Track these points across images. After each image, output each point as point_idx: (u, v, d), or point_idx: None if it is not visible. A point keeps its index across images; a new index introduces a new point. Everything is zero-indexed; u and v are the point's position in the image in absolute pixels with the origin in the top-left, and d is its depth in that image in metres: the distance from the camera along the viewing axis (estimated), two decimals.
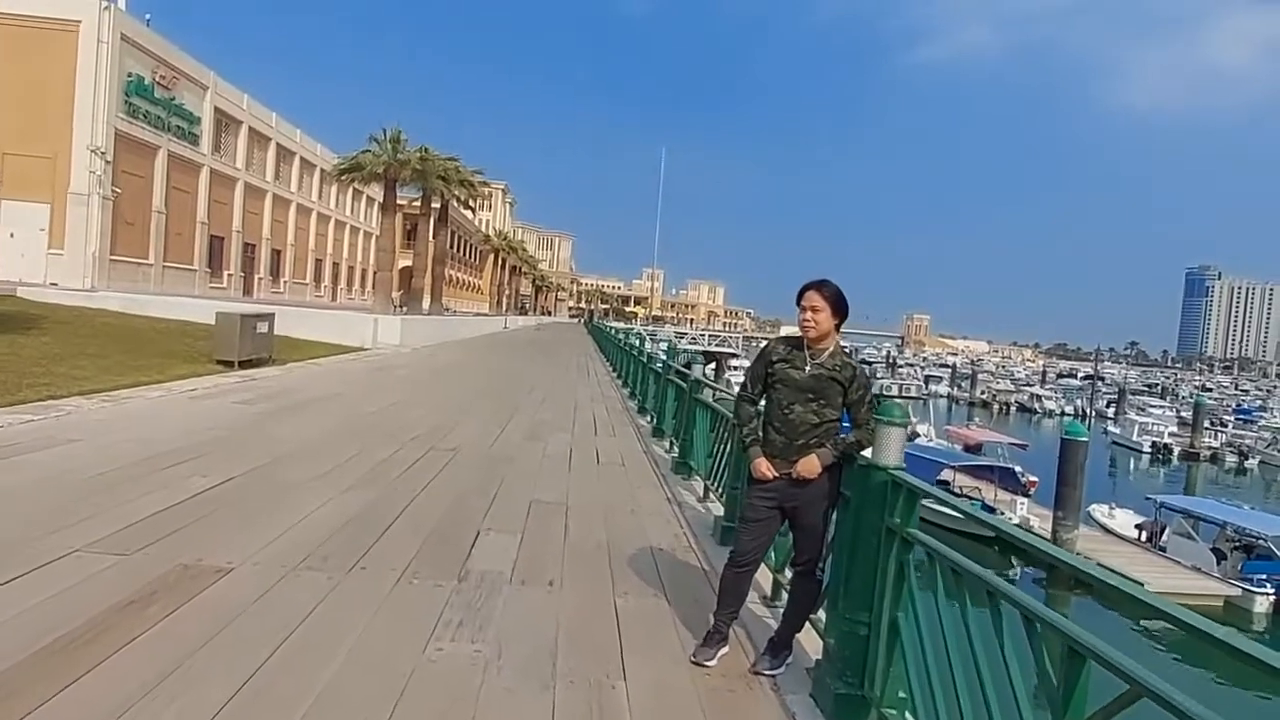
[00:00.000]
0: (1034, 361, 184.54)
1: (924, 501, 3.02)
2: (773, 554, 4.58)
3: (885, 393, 46.95)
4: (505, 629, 3.82)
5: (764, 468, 3.59)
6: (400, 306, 36.62)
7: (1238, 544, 21.67)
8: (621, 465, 8.60)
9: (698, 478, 7.72)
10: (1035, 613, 2.12)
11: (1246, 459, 48.14)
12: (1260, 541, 21.22)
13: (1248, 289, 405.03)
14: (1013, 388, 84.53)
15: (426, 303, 36.95)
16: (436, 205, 38.18)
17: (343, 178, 33.16)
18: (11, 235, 28.86)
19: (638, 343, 17.84)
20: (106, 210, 30.27)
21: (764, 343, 4.13)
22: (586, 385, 18.41)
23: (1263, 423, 59.57)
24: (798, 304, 3.59)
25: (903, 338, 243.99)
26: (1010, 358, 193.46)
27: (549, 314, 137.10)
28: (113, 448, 7.04)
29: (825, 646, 3.53)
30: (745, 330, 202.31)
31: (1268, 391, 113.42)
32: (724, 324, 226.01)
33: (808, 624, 3.81)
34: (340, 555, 4.67)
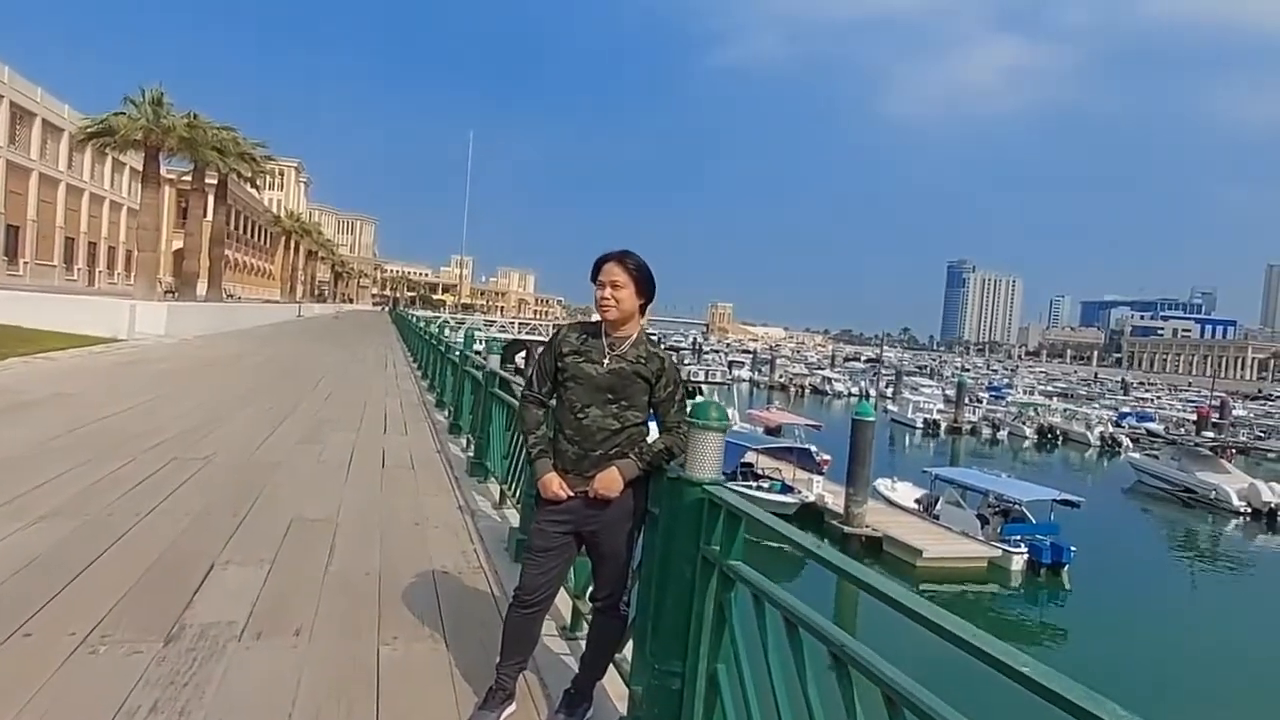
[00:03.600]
0: (824, 346, 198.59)
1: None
2: (572, 577, 3.94)
3: (691, 379, 47.97)
4: (219, 710, 2.89)
5: (555, 486, 2.90)
6: (170, 292, 32.59)
7: (997, 509, 23.97)
8: (410, 468, 7.64)
9: (494, 480, 6.96)
10: (896, 687, 1.59)
11: (998, 431, 54.01)
12: (1015, 506, 23.60)
13: (996, 280, 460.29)
14: (806, 371, 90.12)
15: (203, 288, 33.11)
16: (213, 180, 34.28)
17: (92, 143, 28.76)
18: None
19: (437, 330, 16.67)
20: None
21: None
22: (382, 378, 16.98)
23: (1010, 399, 67.33)
24: (594, 280, 2.93)
25: (707, 325, 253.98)
26: (804, 343, 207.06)
27: (351, 301, 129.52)
28: None
29: (632, 697, 2.92)
30: (556, 318, 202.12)
31: (1012, 371, 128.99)
32: (535, 312, 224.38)
33: (612, 667, 3.20)
34: (1, 614, 3.48)
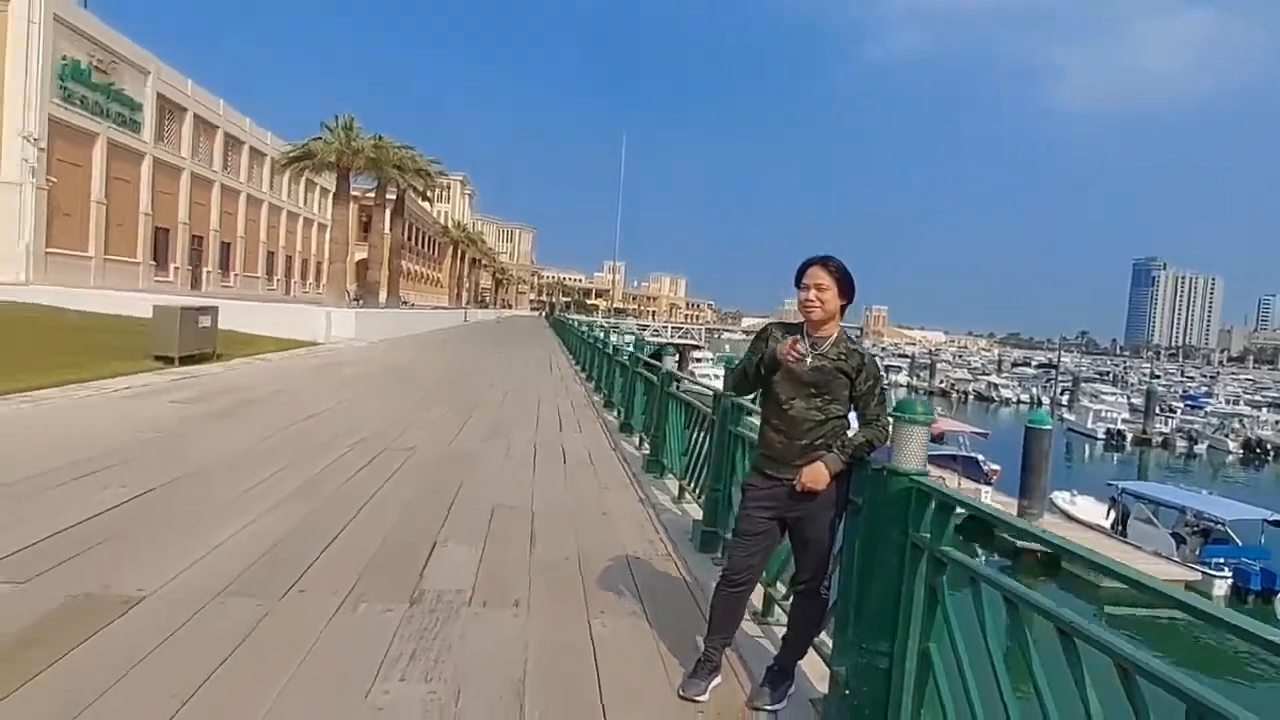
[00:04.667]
0: (989, 350, 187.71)
1: None
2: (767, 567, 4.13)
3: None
4: (464, 663, 3.30)
5: (788, 346, 2.98)
6: (355, 299, 35.55)
7: (1196, 528, 21.92)
8: (590, 464, 8.09)
9: (671, 477, 7.25)
10: (1138, 664, 1.67)
11: (1196, 444, 49.17)
12: (1218, 526, 21.50)
13: (1191, 279, 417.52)
14: (970, 376, 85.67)
15: (383, 296, 35.91)
16: (392, 196, 37.11)
17: (292, 166, 31.94)
18: None
19: (602, 335, 17.31)
20: (41, 200, 28.77)
21: (760, 325, 3.54)
22: (550, 380, 17.83)
23: (1210, 409, 61.09)
24: (797, 283, 3.10)
25: (862, 328, 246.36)
26: (966, 347, 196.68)
27: (509, 307, 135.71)
28: (23, 454, 6.35)
29: (834, 677, 3.07)
30: (707, 322, 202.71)
31: (1211, 378, 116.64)
32: (685, 316, 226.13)
33: (810, 648, 3.36)
34: (274, 577, 4.10)
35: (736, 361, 3.43)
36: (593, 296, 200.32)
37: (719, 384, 9.19)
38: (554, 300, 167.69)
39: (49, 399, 8.90)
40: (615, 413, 11.83)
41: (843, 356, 3.04)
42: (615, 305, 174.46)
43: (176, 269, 40.44)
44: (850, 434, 3.09)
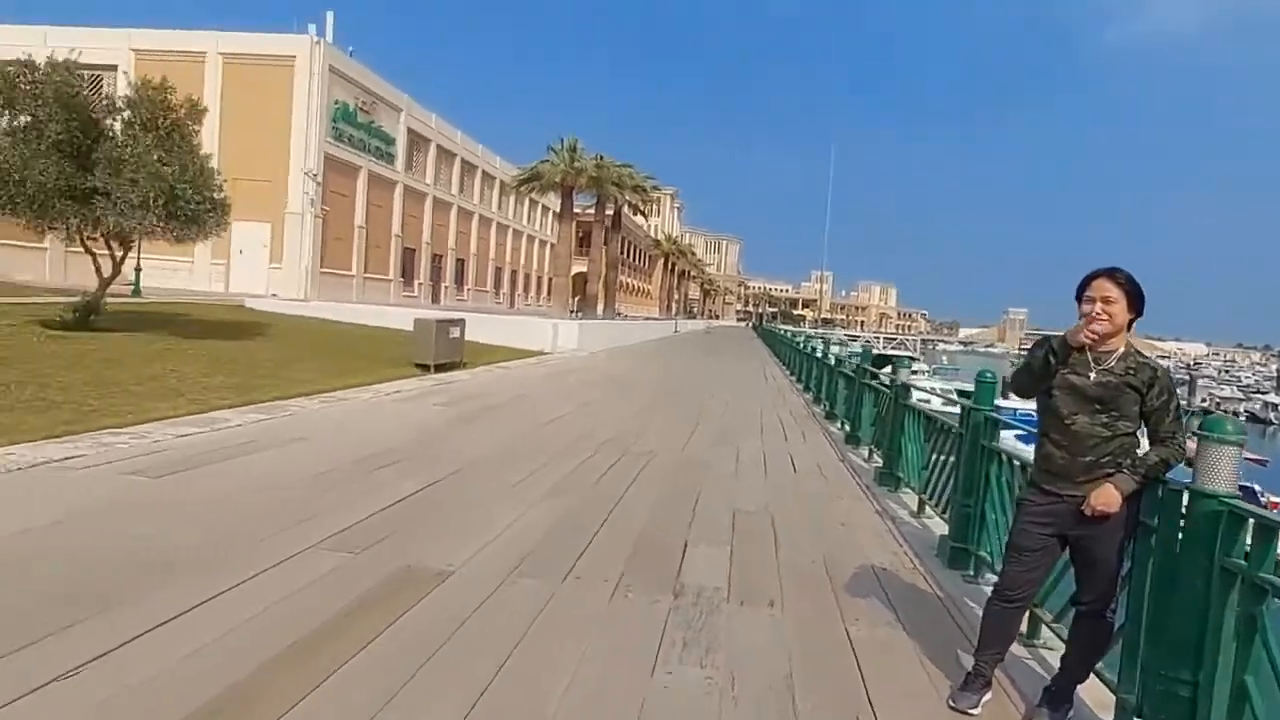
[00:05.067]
0: (1264, 365, 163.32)
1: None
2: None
3: None
4: (733, 655, 3.52)
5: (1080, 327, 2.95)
6: (576, 311, 37.63)
7: None
8: (820, 474, 8.13)
9: (907, 490, 7.13)
10: None
11: None
12: None
13: None
14: (1240, 395, 75.07)
15: (600, 307, 37.73)
16: (609, 212, 38.94)
17: (521, 188, 34.51)
18: (240, 252, 32.16)
19: (821, 345, 17.17)
20: (317, 227, 33.11)
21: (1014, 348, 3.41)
22: (766, 389, 17.96)
23: None
24: (1079, 297, 3.00)
25: None
26: (1234, 361, 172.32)
27: (716, 317, 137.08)
28: (332, 447, 7.44)
29: (1121, 704, 2.97)
30: (920, 333, 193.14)
31: None
32: (896, 326, 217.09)
33: (1095, 677, 3.25)
34: (552, 563, 4.57)
35: (992, 373, 3.35)
36: (799, 307, 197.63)
37: (935, 399, 8.88)
38: (761, 311, 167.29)
39: (341, 400, 10.32)
40: (839, 424, 11.74)
41: (1131, 371, 2.92)
42: (822, 315, 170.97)
43: (420, 284, 44.88)
44: (1141, 452, 2.97)
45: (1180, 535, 2.71)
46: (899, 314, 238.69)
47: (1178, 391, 2.98)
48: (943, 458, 6.12)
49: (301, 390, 10.43)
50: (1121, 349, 2.97)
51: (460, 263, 51.77)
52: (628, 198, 35.73)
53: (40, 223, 12.95)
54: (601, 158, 32.30)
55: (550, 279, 70.00)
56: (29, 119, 12.41)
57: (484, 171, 54.09)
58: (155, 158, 12.89)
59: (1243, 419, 63.77)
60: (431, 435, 8.43)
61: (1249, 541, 2.42)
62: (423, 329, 14.72)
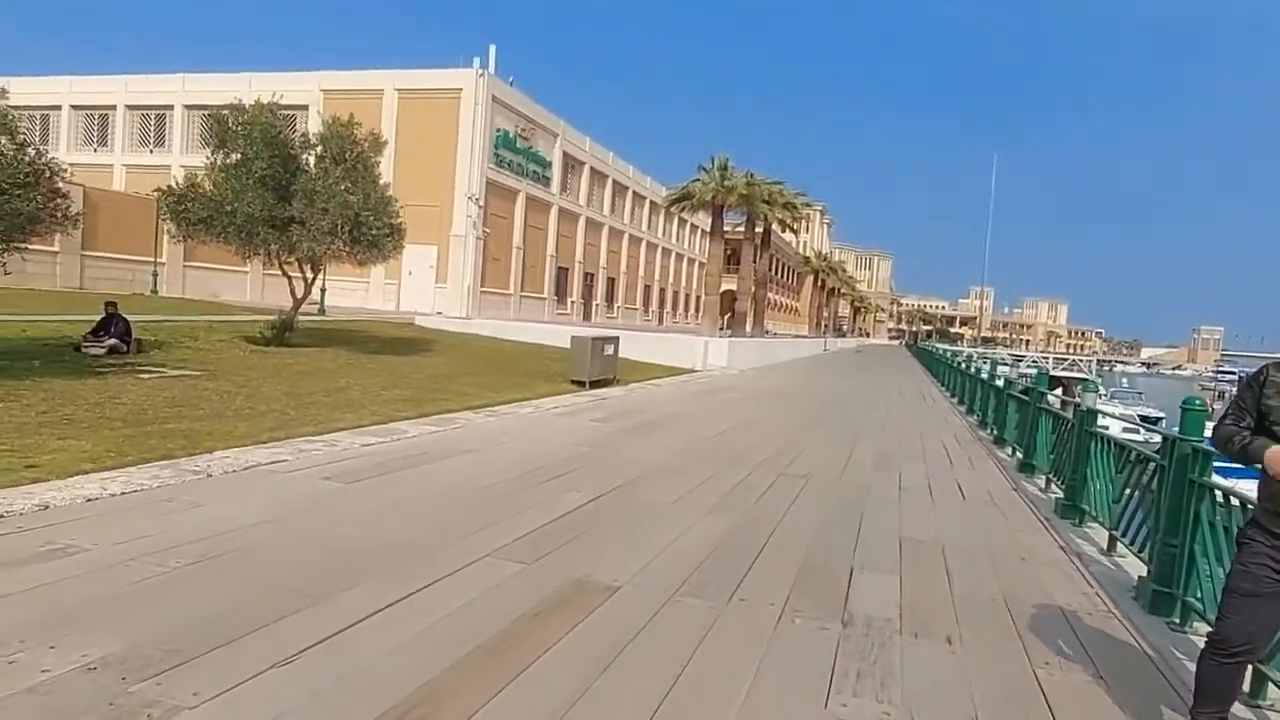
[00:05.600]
0: None
1: None
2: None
3: None
4: (910, 689, 3.37)
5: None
6: (725, 329, 37.59)
7: None
8: (991, 503, 7.67)
9: (1094, 524, 6.60)
10: None
11: None
12: None
13: None
14: None
15: (749, 325, 37.50)
16: (759, 230, 38.72)
17: (672, 207, 34.93)
18: (410, 273, 34.40)
19: (987, 365, 16.25)
20: (479, 249, 34.92)
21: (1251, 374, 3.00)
22: (925, 411, 17.20)
23: None
24: None
25: None
26: None
27: (867, 335, 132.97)
28: (499, 459, 7.77)
29: None
30: (1098, 353, 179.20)
31: None
32: (1067, 345, 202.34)
33: None
34: (716, 583, 4.55)
35: (1218, 420, 3.00)
36: (956, 325, 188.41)
37: (1113, 425, 8.19)
38: (915, 329, 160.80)
39: (506, 413, 10.78)
40: (1009, 450, 11.05)
41: None
42: (982, 334, 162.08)
43: (573, 302, 46.31)
44: None
45: None
46: (1070, 332, 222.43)
47: None
48: (1138, 491, 5.62)
49: (468, 404, 10.99)
50: None
51: (611, 281, 53.04)
52: (777, 215, 35.40)
53: (246, 249, 14.40)
54: (752, 175, 32.21)
55: (699, 296, 70.42)
56: (239, 156, 13.86)
57: (634, 192, 55.29)
58: (343, 188, 14.06)
59: None
60: (591, 450, 8.63)
61: None
62: (579, 346, 15.15)
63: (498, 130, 36.01)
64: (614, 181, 51.34)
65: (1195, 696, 2.97)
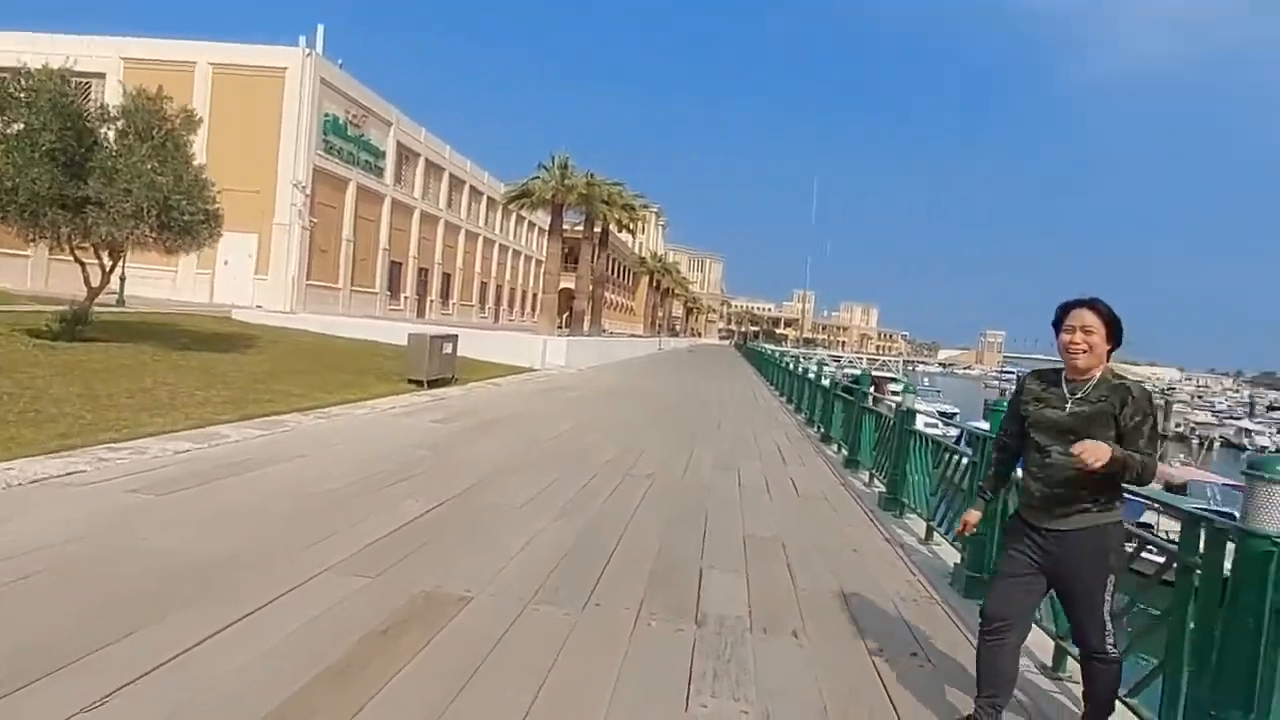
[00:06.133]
0: (1236, 391, 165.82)
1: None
2: (1054, 618, 4.02)
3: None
4: (764, 686, 3.48)
5: (968, 519, 3.55)
6: (563, 328, 37.58)
7: None
8: (824, 499, 8.12)
9: (913, 516, 7.14)
10: None
11: None
12: None
13: None
14: (1215, 420, 76.14)
15: (587, 324, 37.70)
16: (598, 229, 39.01)
17: (511, 204, 34.52)
18: (226, 263, 31.85)
19: (815, 368, 17.23)
20: (304, 239, 32.92)
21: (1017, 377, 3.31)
22: (758, 410, 17.99)
23: None
24: (1057, 326, 3.00)
25: None
26: (1207, 386, 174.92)
27: (699, 335, 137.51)
28: (334, 464, 7.34)
29: None
30: (901, 354, 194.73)
31: None
32: (877, 347, 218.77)
33: (1127, 710, 3.24)
34: (570, 588, 4.51)
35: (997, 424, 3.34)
36: (781, 326, 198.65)
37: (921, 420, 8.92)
38: (744, 330, 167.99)
39: (339, 415, 10.20)
40: (835, 447, 11.76)
41: (1104, 397, 2.86)
42: (804, 335, 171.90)
43: (406, 298, 44.70)
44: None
45: (1229, 576, 2.71)
46: (880, 335, 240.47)
47: (1157, 415, 2.93)
48: (954, 485, 6.13)
49: (296, 405, 10.31)
50: (1096, 378, 2.93)
51: (446, 277, 51.65)
52: (616, 215, 35.86)
53: (31, 231, 12.77)
54: (592, 175, 32.45)
55: (537, 295, 70.00)
56: (22, 126, 12.26)
57: (472, 187, 54.16)
58: (150, 168, 12.78)
59: (1217, 444, 64.79)
60: (432, 452, 8.34)
61: None
62: (417, 344, 14.62)
63: (326, 115, 34.13)
64: (451, 175, 50.07)
65: (976, 681, 3.16)
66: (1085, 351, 2.91)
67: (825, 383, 13.96)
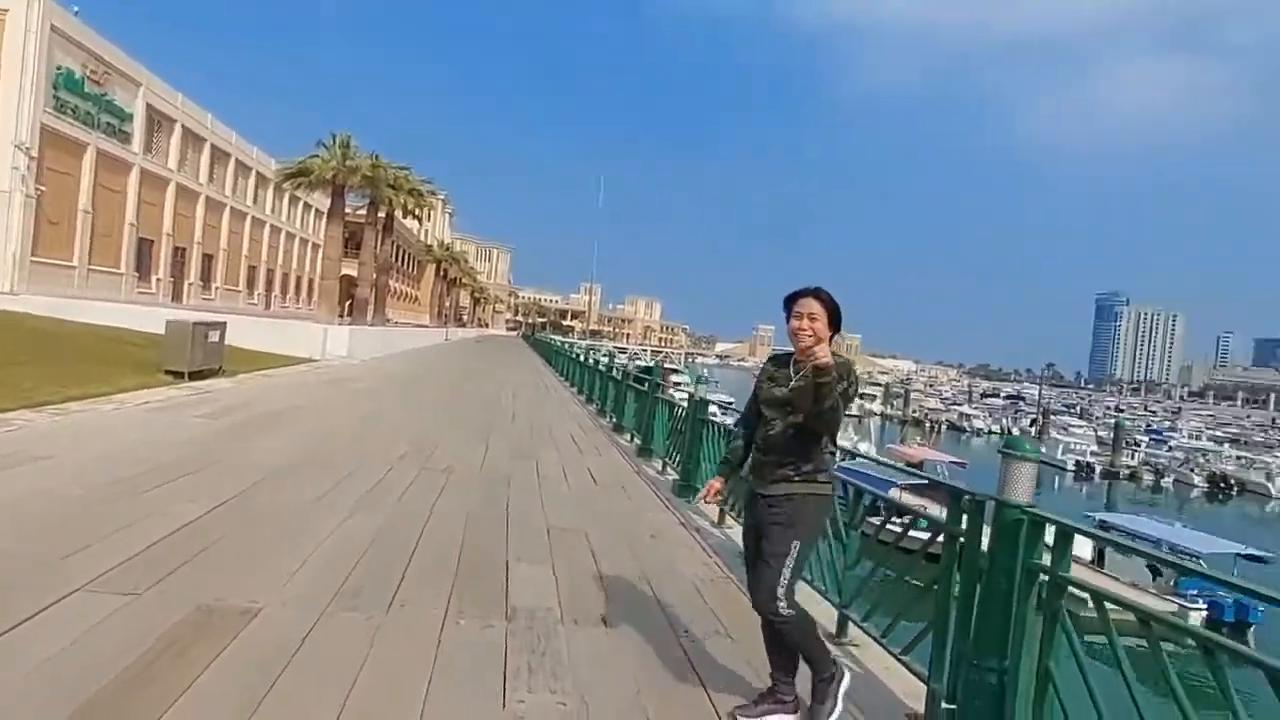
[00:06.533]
0: (958, 381, 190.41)
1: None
2: (837, 585, 4.40)
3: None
4: (579, 677, 3.51)
5: (712, 485, 3.74)
6: (345, 316, 35.46)
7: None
8: (621, 488, 8.31)
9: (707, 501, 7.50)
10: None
11: (1162, 477, 50.24)
12: (1196, 559, 22.09)
13: (1152, 315, 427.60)
14: (942, 406, 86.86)
15: (370, 313, 35.84)
16: (382, 214, 37.19)
17: (288, 183, 31.96)
18: None
19: (607, 359, 17.56)
20: (29, 209, 28.49)
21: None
22: (550, 401, 18.04)
23: (1174, 443, 62.49)
24: (787, 312, 3.20)
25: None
26: (936, 377, 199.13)
27: (486, 326, 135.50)
28: (84, 467, 6.44)
29: (932, 694, 3.33)
30: (683, 346, 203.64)
31: (1174, 413, 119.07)
32: (660, 339, 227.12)
33: (901, 666, 3.63)
34: (372, 590, 4.28)
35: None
36: (568, 318, 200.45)
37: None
38: (532, 321, 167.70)
39: (82, 411, 8.95)
40: (627, 436, 12.07)
41: (816, 370, 2.96)
42: (591, 327, 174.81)
43: (159, 280, 40.06)
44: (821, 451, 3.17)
45: (987, 541, 3.10)
46: (662, 327, 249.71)
47: (858, 380, 3.10)
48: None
49: (27, 400, 8.94)
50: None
51: (208, 259, 46.93)
52: (403, 200, 34.32)
53: None
54: (377, 157, 30.76)
55: (314, 281, 65.55)
56: None
57: (239, 161, 49.51)
58: None
59: (944, 427, 73.97)
60: (203, 451, 7.56)
61: (1050, 543, 2.82)
62: (177, 331, 13.18)
63: (59, 68, 29.77)
64: (214, 147, 45.47)
65: (766, 655, 3.39)
66: (811, 336, 3.08)
67: (616, 374, 14.27)
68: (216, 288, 48.22)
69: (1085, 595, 2.69)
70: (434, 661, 3.49)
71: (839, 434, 3.30)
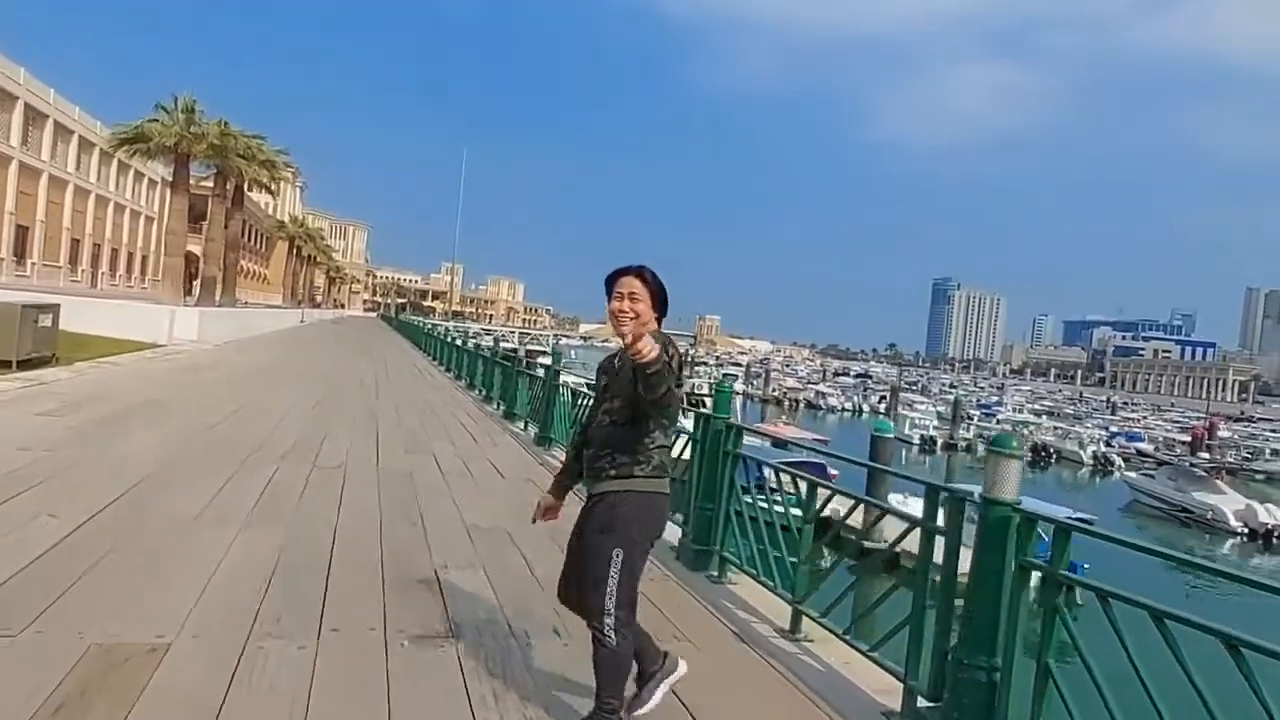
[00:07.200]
0: (812, 360, 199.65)
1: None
2: (794, 580, 4.35)
3: (695, 391, 47.74)
4: (550, 693, 3.27)
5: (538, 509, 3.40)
6: (189, 296, 32.69)
7: None
8: (528, 480, 8.01)
9: None
10: None
11: None
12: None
13: (980, 298, 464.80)
14: (800, 385, 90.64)
15: (219, 293, 33.22)
16: (231, 187, 34.44)
17: (120, 150, 28.92)
18: None
19: (492, 343, 17.02)
20: None
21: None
22: (427, 385, 17.37)
23: (1001, 416, 68.08)
24: (608, 292, 2.89)
25: (695, 337, 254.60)
26: (792, 357, 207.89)
27: (342, 307, 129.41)
28: None
29: (909, 690, 3.32)
30: (547, 327, 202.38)
31: (1000, 389, 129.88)
32: (524, 320, 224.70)
33: (869, 662, 3.61)
34: (295, 614, 3.84)
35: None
36: (429, 298, 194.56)
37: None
38: (391, 301, 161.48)
39: None
40: (521, 424, 11.71)
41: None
42: (453, 308, 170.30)
43: None
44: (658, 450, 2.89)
45: (974, 539, 3.10)
46: (526, 309, 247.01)
47: (679, 352, 2.78)
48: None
49: None
50: None
51: (22, 231, 42.12)
52: (255, 172, 31.85)
53: None
54: (226, 124, 28.29)
55: (148, 258, 60.39)
56: None
57: (59, 123, 44.59)
58: None
59: (802, 405, 77.33)
60: (53, 454, 6.67)
61: (1054, 544, 2.83)
62: (3, 315, 11.60)
63: None
64: (27, 105, 40.68)
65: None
66: (633, 318, 2.81)
67: (505, 361, 13.84)
68: (32, 264, 43.42)
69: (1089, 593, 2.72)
70: (388, 695, 3.14)
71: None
